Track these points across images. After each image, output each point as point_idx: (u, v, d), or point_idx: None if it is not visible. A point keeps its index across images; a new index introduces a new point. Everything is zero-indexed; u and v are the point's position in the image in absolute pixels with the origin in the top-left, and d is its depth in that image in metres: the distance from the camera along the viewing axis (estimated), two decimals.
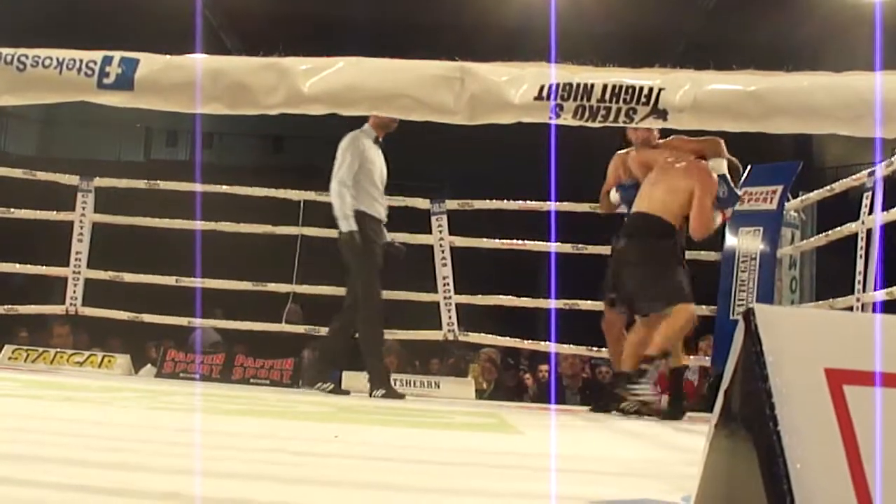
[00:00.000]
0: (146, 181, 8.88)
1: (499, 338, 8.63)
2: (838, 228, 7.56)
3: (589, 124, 1.99)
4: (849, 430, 0.93)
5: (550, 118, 1.95)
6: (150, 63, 1.96)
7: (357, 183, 7.24)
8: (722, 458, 1.02)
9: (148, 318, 8.79)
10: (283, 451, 3.10)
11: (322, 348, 7.80)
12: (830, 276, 8.54)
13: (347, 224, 7.13)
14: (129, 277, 8.79)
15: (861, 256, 7.07)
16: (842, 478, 0.90)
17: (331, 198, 7.27)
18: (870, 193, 7.11)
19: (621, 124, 1.96)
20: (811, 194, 8.25)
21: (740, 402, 1.00)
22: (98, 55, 2.19)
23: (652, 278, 6.52)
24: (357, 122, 7.31)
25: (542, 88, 1.93)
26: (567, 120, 1.97)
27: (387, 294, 7.55)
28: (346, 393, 7.43)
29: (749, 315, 0.98)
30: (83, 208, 8.70)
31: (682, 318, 6.44)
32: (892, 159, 7.22)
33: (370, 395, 7.18)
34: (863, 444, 0.92)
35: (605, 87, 1.93)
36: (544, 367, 11.16)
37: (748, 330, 0.98)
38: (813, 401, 0.94)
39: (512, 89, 1.94)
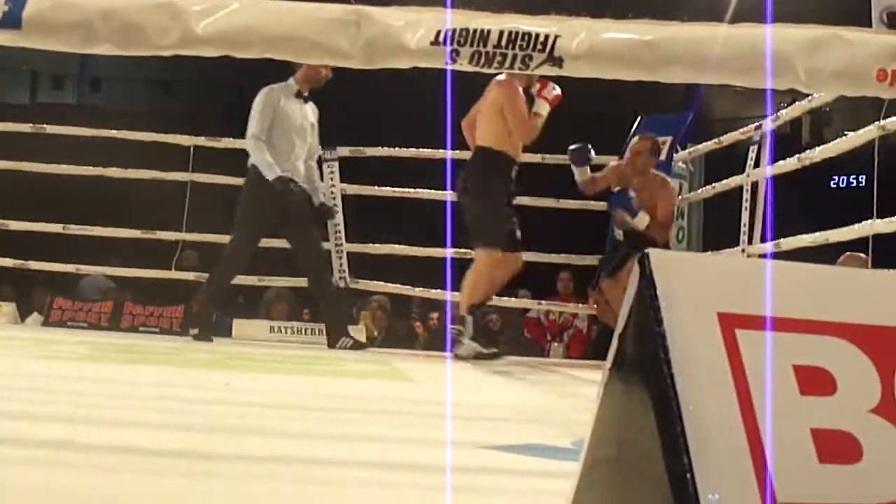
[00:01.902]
0: (32, 125, 8.64)
1: (390, 285, 8.62)
2: (725, 181, 7.69)
3: (485, 70, 1.99)
4: (740, 373, 0.95)
5: (447, 63, 1.95)
6: (39, 1, 1.89)
7: (268, 139, 7.12)
8: (616, 401, 1.03)
9: (34, 265, 8.59)
10: (174, 399, 3.07)
11: (323, 313, 7.71)
12: (716, 228, 8.69)
13: (273, 172, 7.01)
14: (14, 225, 8.57)
15: (746, 209, 7.21)
16: (733, 419, 0.92)
17: (250, 152, 7.16)
18: (755, 147, 7.24)
19: (517, 70, 1.96)
20: (699, 146, 8.37)
21: (634, 346, 1.01)
22: None
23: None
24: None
25: (438, 34, 1.91)
26: (463, 66, 1.96)
27: (276, 242, 7.52)
28: (367, 346, 7.41)
29: (644, 259, 0.99)
30: None
31: (480, 263, 6.73)
32: (779, 113, 7.36)
33: (189, 334, 7.23)
34: (753, 387, 0.94)
35: (501, 33, 1.92)
36: (435, 315, 11.21)
37: (643, 274, 0.99)
38: (706, 344, 0.95)
39: (408, 34, 1.92)
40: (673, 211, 7.46)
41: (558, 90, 6.87)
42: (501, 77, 6.72)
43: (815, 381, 0.97)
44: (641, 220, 7.14)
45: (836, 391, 0.98)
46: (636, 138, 7.47)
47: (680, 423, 0.90)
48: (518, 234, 6.88)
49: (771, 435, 0.91)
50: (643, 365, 0.97)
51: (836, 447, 0.94)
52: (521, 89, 6.74)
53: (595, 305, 7.77)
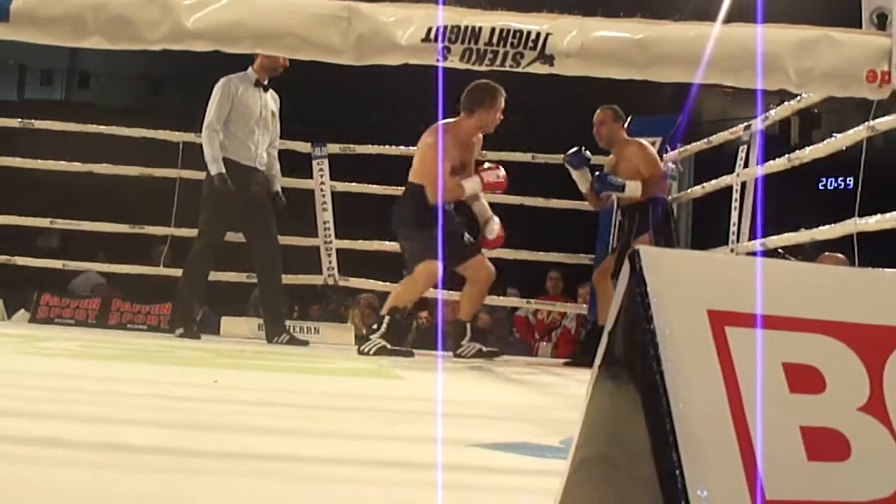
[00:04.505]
0: (20, 120, 8.61)
1: (380, 283, 8.61)
2: (714, 181, 7.70)
3: (476, 67, 1.99)
4: (730, 370, 0.95)
5: (438, 60, 1.94)
6: None
7: (226, 128, 7.14)
8: (605, 399, 1.03)
9: (21, 260, 8.57)
10: (163, 397, 3.07)
11: (264, 305, 7.71)
12: (706, 227, 8.71)
13: (217, 166, 7.03)
14: (1, 219, 8.56)
15: (735, 208, 7.22)
16: (722, 416, 0.92)
17: (202, 142, 7.20)
18: (745, 147, 7.26)
19: (507, 68, 1.96)
20: (689, 146, 8.38)
21: (624, 344, 1.01)
22: None
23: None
24: (238, 63, 7.18)
25: (429, 30, 1.91)
26: (454, 63, 1.96)
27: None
28: (305, 343, 7.41)
29: (634, 256, 0.99)
30: None
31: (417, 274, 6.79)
32: (768, 113, 7.38)
33: (174, 333, 7.24)
34: (743, 384, 0.94)
35: (492, 30, 1.92)
36: (423, 314, 11.21)
37: (633, 271, 0.99)
38: (696, 342, 0.95)
39: (399, 30, 1.92)
40: (656, 160, 7.54)
41: (502, 176, 6.92)
42: (439, 123, 6.77)
43: (804, 379, 0.97)
44: (632, 189, 7.20)
45: (825, 389, 0.98)
46: (597, 111, 7.52)
47: (669, 421, 0.90)
48: (467, 238, 7.00)
49: (760, 432, 0.92)
50: (633, 362, 0.97)
51: (825, 445, 0.94)
52: (441, 142, 6.75)
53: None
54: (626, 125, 7.75)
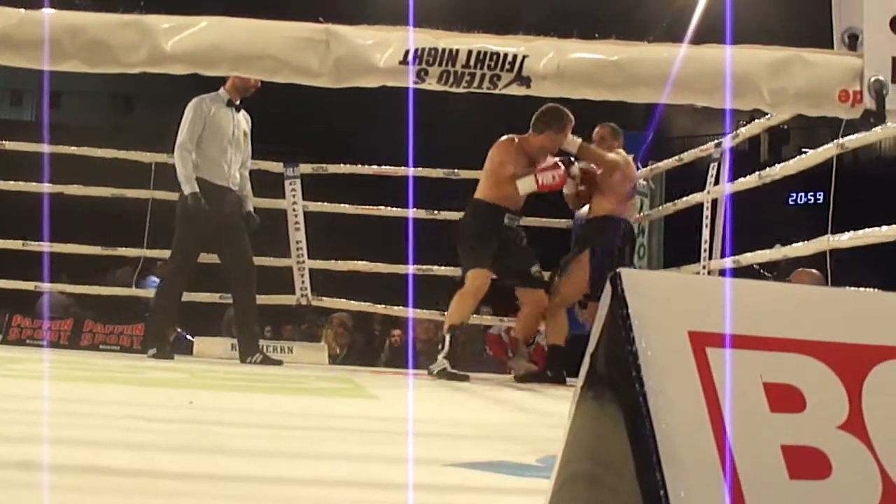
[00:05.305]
0: None
1: (352, 302, 8.61)
2: (685, 198, 7.73)
3: (453, 90, 1.99)
4: (711, 390, 0.95)
5: (415, 83, 1.95)
6: (3, 17, 1.88)
7: (199, 148, 7.11)
8: (588, 419, 1.04)
9: None
10: (137, 418, 3.05)
11: (238, 325, 7.64)
12: (677, 244, 8.74)
13: (190, 186, 7.00)
14: None
15: (707, 225, 7.25)
16: (705, 436, 0.93)
17: (175, 162, 7.17)
18: (716, 164, 7.29)
19: (485, 90, 1.97)
20: (660, 164, 8.41)
21: (606, 365, 1.02)
22: None
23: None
24: (210, 83, 7.17)
25: (407, 53, 1.92)
26: (431, 85, 1.97)
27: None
28: (279, 363, 7.36)
29: (616, 278, 1.00)
30: None
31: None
32: (738, 131, 7.43)
33: (147, 354, 7.17)
34: (724, 404, 0.95)
35: (469, 52, 1.93)
36: (397, 332, 11.21)
37: (614, 293, 1.00)
38: (677, 363, 0.96)
39: (377, 53, 1.93)
40: (629, 180, 7.48)
41: (559, 176, 6.80)
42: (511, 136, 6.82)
43: (784, 398, 0.98)
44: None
45: (805, 408, 0.99)
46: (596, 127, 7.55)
47: (653, 441, 0.91)
48: (535, 270, 6.97)
49: (742, 452, 0.93)
50: (615, 383, 0.98)
51: (806, 463, 0.95)
52: (511, 147, 6.85)
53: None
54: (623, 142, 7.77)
